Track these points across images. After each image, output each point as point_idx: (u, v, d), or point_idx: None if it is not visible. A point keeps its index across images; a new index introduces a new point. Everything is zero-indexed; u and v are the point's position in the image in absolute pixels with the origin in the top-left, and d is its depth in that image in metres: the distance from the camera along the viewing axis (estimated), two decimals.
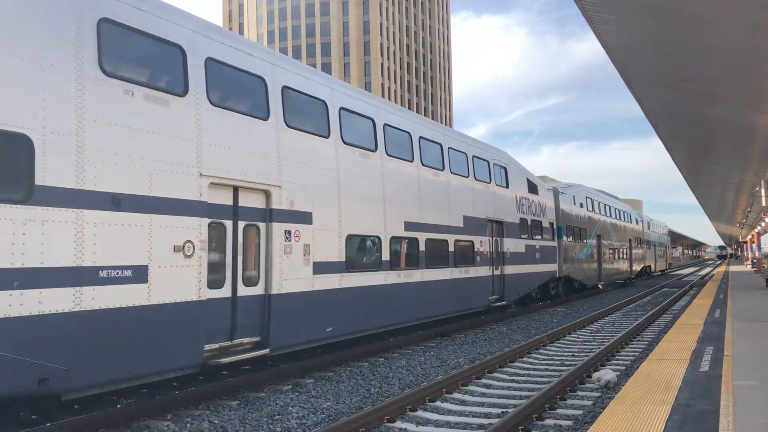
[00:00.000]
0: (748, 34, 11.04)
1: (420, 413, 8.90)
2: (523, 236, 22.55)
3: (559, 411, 8.91)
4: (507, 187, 21.67)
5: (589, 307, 26.32)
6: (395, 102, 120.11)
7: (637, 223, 47.38)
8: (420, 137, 16.30)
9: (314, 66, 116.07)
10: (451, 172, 17.76)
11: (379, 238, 13.92)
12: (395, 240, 14.55)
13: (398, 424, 8.36)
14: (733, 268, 63.53)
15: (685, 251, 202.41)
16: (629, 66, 14.53)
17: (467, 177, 18.77)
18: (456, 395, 10.02)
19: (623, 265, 40.98)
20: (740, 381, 8.03)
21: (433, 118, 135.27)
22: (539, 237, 24.24)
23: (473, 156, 19.42)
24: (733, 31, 11.11)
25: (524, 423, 8.12)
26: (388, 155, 14.62)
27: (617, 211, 40.65)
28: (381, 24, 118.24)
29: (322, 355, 13.11)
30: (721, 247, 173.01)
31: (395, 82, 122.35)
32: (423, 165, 16.22)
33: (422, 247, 15.76)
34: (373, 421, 8.11)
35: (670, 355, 10.37)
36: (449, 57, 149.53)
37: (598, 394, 9.90)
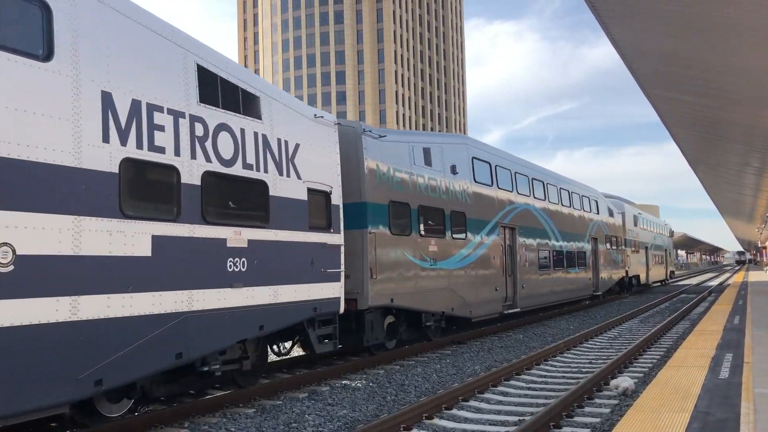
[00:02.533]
0: (767, 39, 10.96)
1: (436, 421, 8.87)
2: (142, 215, 8.26)
3: (576, 419, 8.85)
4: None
5: (606, 314, 26.14)
6: (410, 110, 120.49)
7: (610, 215, 33.19)
8: None
9: (328, 75, 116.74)
10: None
11: None
12: None
13: None
14: (753, 275, 62.77)
15: (703, 257, 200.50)
16: (645, 71, 14.47)
17: None
18: (472, 403, 9.98)
19: (579, 275, 27.04)
20: (761, 388, 7.93)
21: (447, 125, 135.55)
22: (255, 221, 10.20)
23: None
24: (752, 37, 11.03)
25: (542, 431, 8.07)
26: None
27: (562, 191, 26.23)
28: (395, 32, 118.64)
29: (337, 363, 13.10)
30: (739, 253, 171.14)
31: (409, 89, 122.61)
32: None
33: None
34: (389, 429, 8.09)
35: (689, 362, 10.27)
36: (463, 63, 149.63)
37: (616, 402, 9.82)
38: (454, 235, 16.84)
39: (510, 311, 20.05)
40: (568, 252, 25.73)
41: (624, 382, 10.46)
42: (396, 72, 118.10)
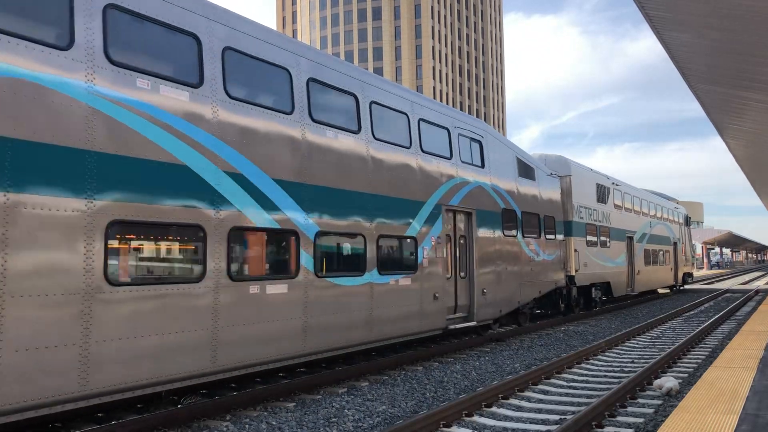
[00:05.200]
0: None
1: (476, 418, 8.83)
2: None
3: (619, 418, 8.71)
4: None
5: (648, 312, 25.68)
6: (448, 105, 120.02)
7: (525, 175, 18.76)
8: None
9: (366, 70, 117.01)
10: None
11: None
12: None
13: (454, 429, 8.32)
14: None
15: (749, 255, 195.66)
16: (691, 65, 14.15)
17: None
18: (512, 401, 9.91)
19: (387, 290, 12.36)
20: None
21: (485, 121, 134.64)
22: None
23: None
24: None
25: (583, 430, 7.97)
26: None
27: (313, 87, 10.95)
28: (433, 27, 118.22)
29: (376, 358, 13.14)
30: None
31: (447, 84, 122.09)
32: None
33: None
34: (429, 425, 8.08)
35: (736, 363, 10.03)
36: (501, 59, 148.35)
37: (659, 402, 9.65)
38: None
39: None
40: (339, 237, 11.33)
41: (668, 382, 10.27)
42: (434, 68, 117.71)
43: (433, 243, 13.84)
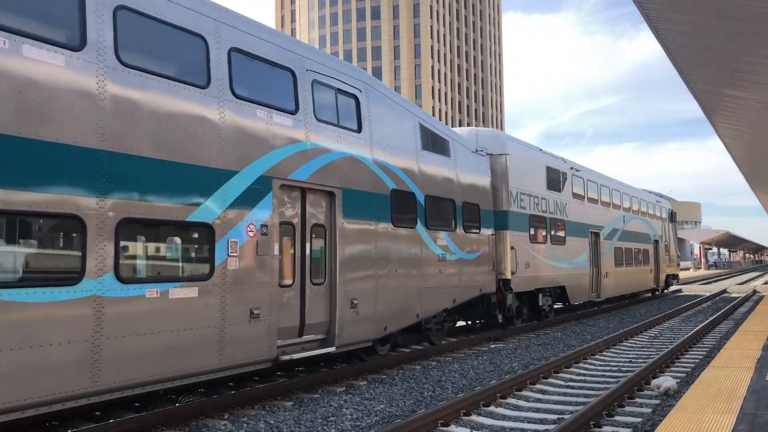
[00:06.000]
0: None
1: (474, 418, 8.83)
2: None
3: (617, 418, 8.72)
4: None
5: (647, 312, 25.72)
6: (446, 105, 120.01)
7: (430, 146, 14.13)
8: None
9: (365, 69, 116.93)
10: None
11: None
12: None
13: (452, 428, 8.32)
14: None
15: (747, 255, 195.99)
16: (689, 64, 14.17)
17: None
18: (511, 400, 9.92)
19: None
20: None
21: (484, 120, 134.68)
22: None
23: None
24: None
25: (581, 430, 7.98)
26: None
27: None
28: (432, 27, 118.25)
29: (375, 357, 13.14)
30: None
31: (446, 84, 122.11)
32: None
33: None
34: (427, 424, 8.08)
35: (734, 363, 10.05)
36: (500, 58, 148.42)
37: (657, 402, 9.66)
38: None
39: None
40: (18, 219, 6.74)
41: (666, 381, 10.28)
42: (433, 67, 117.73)
43: (250, 235, 9.34)
